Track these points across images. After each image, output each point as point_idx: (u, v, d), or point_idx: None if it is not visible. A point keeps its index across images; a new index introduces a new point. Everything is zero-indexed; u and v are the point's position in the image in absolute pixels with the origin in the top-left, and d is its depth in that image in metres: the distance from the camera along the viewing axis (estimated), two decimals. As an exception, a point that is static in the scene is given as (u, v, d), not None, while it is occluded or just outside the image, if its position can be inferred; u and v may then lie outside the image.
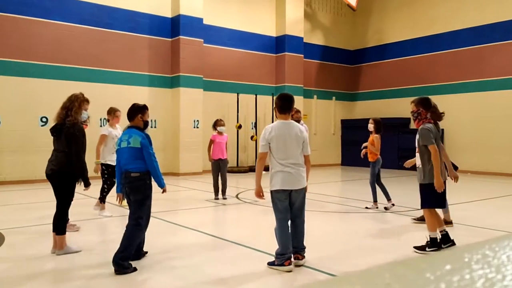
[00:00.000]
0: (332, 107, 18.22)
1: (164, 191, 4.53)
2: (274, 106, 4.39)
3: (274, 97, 4.44)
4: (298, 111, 8.04)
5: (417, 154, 4.93)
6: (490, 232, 5.70)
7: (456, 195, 10.32)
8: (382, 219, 6.82)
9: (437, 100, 17.13)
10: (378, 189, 7.46)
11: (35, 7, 11.52)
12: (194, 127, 13.70)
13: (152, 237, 5.04)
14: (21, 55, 11.33)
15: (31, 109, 11.40)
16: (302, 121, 8.52)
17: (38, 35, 11.57)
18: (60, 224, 4.68)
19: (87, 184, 4.74)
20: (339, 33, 18.48)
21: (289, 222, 4.29)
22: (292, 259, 4.22)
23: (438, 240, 4.81)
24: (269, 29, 16.30)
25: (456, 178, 5.54)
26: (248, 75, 15.62)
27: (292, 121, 4.37)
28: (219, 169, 8.45)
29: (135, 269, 4.09)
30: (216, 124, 8.66)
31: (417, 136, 4.84)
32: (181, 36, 13.54)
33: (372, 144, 7.36)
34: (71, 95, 4.88)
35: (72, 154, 4.60)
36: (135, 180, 4.26)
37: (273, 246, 4.76)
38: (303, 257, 4.32)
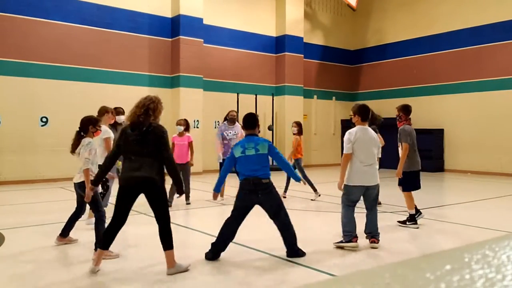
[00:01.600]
0: (332, 107, 18.21)
1: (304, 183, 5.04)
2: (352, 114, 5.22)
3: (354, 107, 5.24)
4: (235, 111, 9.00)
5: (399, 149, 6.25)
6: (490, 232, 5.70)
7: (456, 195, 10.31)
8: (381, 219, 6.80)
9: (437, 100, 17.11)
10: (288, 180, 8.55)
11: (35, 7, 11.52)
12: (194, 127, 13.69)
13: (152, 238, 5.03)
14: (21, 55, 11.33)
15: (31, 109, 11.40)
16: (237, 122, 8.66)
17: (38, 35, 11.56)
18: (170, 237, 4.10)
19: (182, 191, 4.28)
20: (339, 33, 18.48)
21: (359, 211, 5.16)
22: (369, 242, 4.97)
23: (409, 217, 6.11)
24: (269, 29, 16.30)
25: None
26: (248, 75, 15.62)
27: (368, 127, 5.14)
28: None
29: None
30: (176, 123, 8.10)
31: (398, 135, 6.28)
32: (181, 36, 13.54)
33: (299, 145, 8.59)
34: (150, 96, 4.32)
35: (165, 159, 4.08)
36: (268, 186, 4.54)
37: (274, 246, 4.77)
38: (378, 241, 4.98)
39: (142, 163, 4.02)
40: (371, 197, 5.03)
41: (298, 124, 8.80)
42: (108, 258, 4.41)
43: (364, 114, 5.06)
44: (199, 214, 7.55)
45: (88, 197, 4.65)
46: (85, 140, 4.84)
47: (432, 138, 15.02)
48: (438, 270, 0.50)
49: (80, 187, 4.94)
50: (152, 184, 4.03)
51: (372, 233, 5.00)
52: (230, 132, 8.46)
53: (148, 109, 4.14)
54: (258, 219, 5.99)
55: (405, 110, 6.30)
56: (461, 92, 15.01)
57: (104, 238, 4.11)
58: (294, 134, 8.78)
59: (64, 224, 5.13)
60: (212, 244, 4.55)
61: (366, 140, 4.95)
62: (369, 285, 0.48)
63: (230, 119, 8.57)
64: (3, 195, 9.31)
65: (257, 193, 4.50)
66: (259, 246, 4.98)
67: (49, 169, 11.49)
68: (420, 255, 0.59)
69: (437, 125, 15.42)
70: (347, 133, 5.03)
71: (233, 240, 5.06)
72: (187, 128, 8.01)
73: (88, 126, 4.92)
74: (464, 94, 14.93)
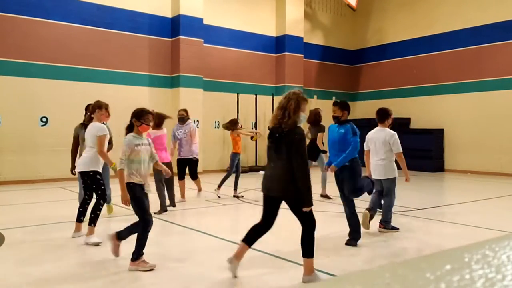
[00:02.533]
0: (332, 107, 18.17)
1: None
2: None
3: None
4: (184, 109, 8.77)
5: None
6: (490, 232, 5.70)
7: (456, 195, 10.31)
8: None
9: (437, 100, 17.08)
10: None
11: (35, 7, 11.51)
12: (194, 127, 13.69)
13: (153, 239, 5.03)
14: (21, 55, 11.33)
15: (31, 109, 11.40)
16: (190, 120, 8.55)
17: (38, 35, 11.56)
18: (310, 244, 3.88)
19: (309, 204, 3.80)
20: (339, 33, 18.47)
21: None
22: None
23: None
24: (269, 29, 16.30)
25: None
26: (248, 75, 15.61)
27: (385, 128, 5.80)
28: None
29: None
30: None
31: None
32: (181, 36, 13.54)
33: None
34: (290, 93, 3.86)
35: (294, 164, 3.69)
36: None
37: (274, 246, 4.75)
38: (384, 227, 5.76)
39: (277, 171, 3.79)
40: (383, 188, 5.82)
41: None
42: (142, 269, 4.10)
43: (378, 117, 5.89)
44: (199, 214, 7.55)
45: (125, 201, 4.16)
46: (125, 138, 4.30)
47: (432, 138, 15.01)
48: (438, 270, 0.50)
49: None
50: (287, 194, 3.82)
51: (381, 219, 5.76)
52: (180, 132, 8.30)
53: (284, 109, 3.77)
54: (258, 219, 5.96)
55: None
56: (461, 92, 15.00)
57: (248, 234, 3.87)
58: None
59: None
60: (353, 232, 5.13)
61: (376, 139, 5.77)
62: (369, 285, 0.48)
63: (180, 119, 8.44)
64: (3, 195, 9.31)
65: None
66: (259, 246, 4.97)
67: (49, 169, 11.49)
68: (420, 255, 0.59)
69: (437, 125, 15.42)
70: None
71: (233, 240, 5.07)
72: (159, 125, 7.20)
73: (132, 119, 4.33)
74: (464, 94, 14.93)
